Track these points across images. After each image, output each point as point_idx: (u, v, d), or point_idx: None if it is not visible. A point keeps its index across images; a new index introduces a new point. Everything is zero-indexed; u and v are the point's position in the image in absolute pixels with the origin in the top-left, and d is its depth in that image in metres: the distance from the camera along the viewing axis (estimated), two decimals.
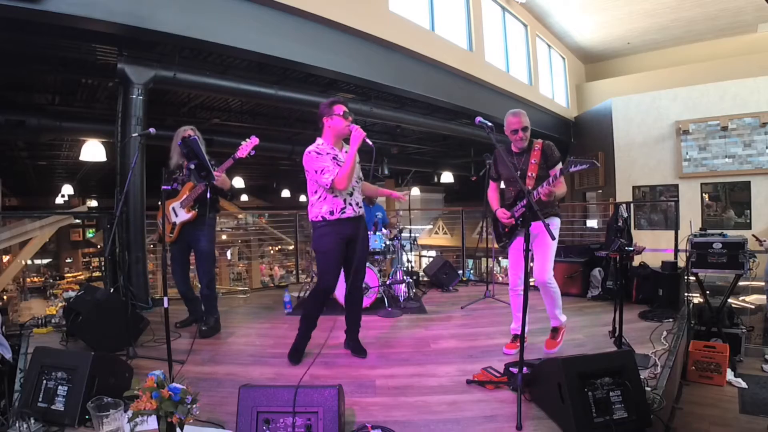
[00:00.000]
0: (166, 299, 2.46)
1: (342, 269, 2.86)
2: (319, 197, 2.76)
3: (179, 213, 3.36)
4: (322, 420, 1.72)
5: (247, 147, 3.13)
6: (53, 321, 3.48)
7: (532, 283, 3.15)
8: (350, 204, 2.79)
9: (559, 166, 2.79)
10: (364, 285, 4.11)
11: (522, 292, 2.67)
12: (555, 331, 3.00)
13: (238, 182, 12.11)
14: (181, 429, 1.71)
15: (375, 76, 5.74)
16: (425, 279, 5.63)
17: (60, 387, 1.99)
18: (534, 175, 2.80)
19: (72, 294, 3.53)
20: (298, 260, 6.32)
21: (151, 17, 3.81)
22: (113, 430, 1.81)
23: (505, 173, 2.94)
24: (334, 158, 2.74)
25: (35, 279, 13.42)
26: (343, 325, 3.08)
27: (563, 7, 9.09)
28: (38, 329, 3.36)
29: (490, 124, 2.37)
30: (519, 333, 2.83)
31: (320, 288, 2.83)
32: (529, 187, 2.75)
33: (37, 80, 5.56)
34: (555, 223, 2.93)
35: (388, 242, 4.54)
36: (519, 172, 2.80)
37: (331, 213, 2.75)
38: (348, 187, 2.74)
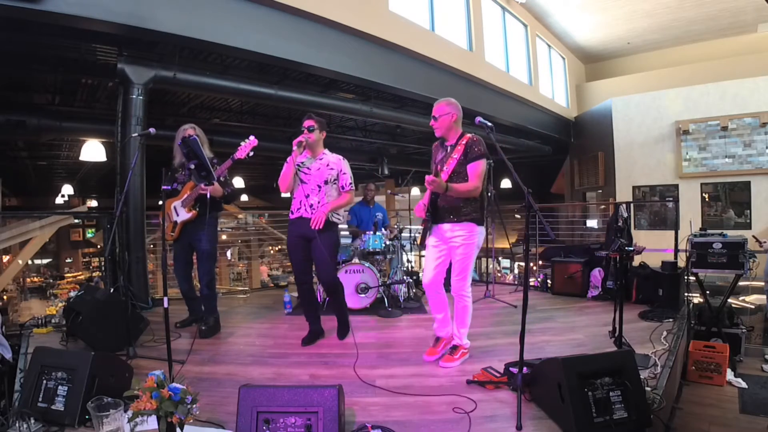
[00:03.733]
0: (166, 299, 2.46)
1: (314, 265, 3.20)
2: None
3: (180, 212, 3.36)
4: (322, 420, 1.72)
5: (246, 148, 3.12)
6: (53, 321, 3.47)
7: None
8: (305, 205, 3.08)
9: (482, 162, 2.61)
10: (363, 285, 4.15)
11: (437, 293, 2.78)
12: (453, 348, 2.77)
13: (238, 182, 12.09)
14: (181, 429, 1.71)
15: (375, 76, 5.74)
16: None
17: (60, 387, 1.98)
18: (449, 170, 2.62)
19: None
20: None
21: (151, 17, 3.81)
22: (113, 430, 1.81)
23: (432, 168, 2.82)
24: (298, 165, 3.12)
25: (35, 279, 13.41)
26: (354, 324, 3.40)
27: (563, 7, 9.09)
28: (38, 329, 3.36)
29: (490, 124, 2.37)
30: (440, 336, 2.85)
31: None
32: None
33: (37, 80, 5.56)
34: (469, 230, 2.64)
35: (388, 242, 4.54)
36: (438, 167, 2.67)
37: (291, 213, 3.14)
38: (285, 190, 3.06)
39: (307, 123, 3.07)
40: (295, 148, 2.94)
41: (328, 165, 3.11)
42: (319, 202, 3.05)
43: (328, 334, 3.34)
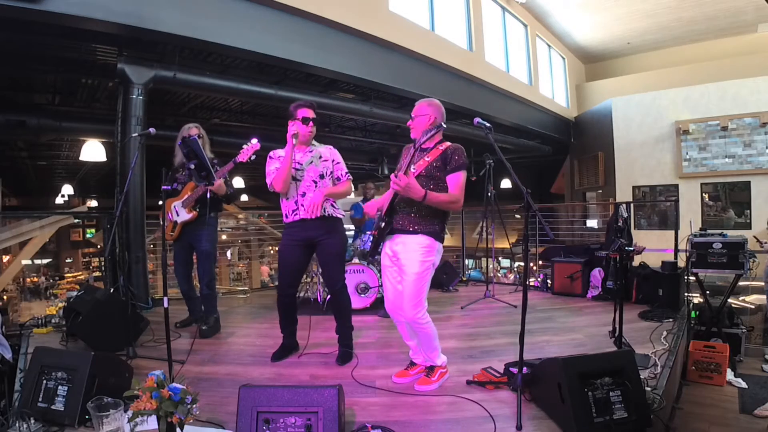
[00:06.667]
0: (166, 299, 2.46)
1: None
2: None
3: (180, 212, 3.36)
4: (322, 420, 1.72)
5: (248, 151, 3.06)
6: (53, 321, 3.48)
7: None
8: (302, 206, 2.70)
9: (464, 173, 2.29)
10: (363, 285, 4.15)
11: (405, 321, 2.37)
12: (430, 370, 2.44)
13: (238, 182, 12.09)
14: (181, 429, 1.71)
15: (375, 76, 5.74)
16: None
17: (60, 387, 1.98)
18: (419, 170, 2.28)
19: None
20: None
21: (151, 17, 3.81)
22: (113, 430, 1.81)
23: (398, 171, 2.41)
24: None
25: (35, 279, 13.41)
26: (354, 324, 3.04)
27: (563, 7, 9.09)
28: (38, 329, 3.35)
29: (488, 124, 2.35)
30: (416, 362, 2.52)
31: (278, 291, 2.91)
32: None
33: (37, 80, 5.56)
34: (427, 247, 2.27)
35: None
36: (405, 168, 2.26)
37: (286, 216, 2.76)
38: (284, 189, 2.69)
39: (306, 112, 2.73)
40: (294, 141, 2.63)
41: (321, 157, 2.79)
42: None
43: (327, 335, 3.31)
